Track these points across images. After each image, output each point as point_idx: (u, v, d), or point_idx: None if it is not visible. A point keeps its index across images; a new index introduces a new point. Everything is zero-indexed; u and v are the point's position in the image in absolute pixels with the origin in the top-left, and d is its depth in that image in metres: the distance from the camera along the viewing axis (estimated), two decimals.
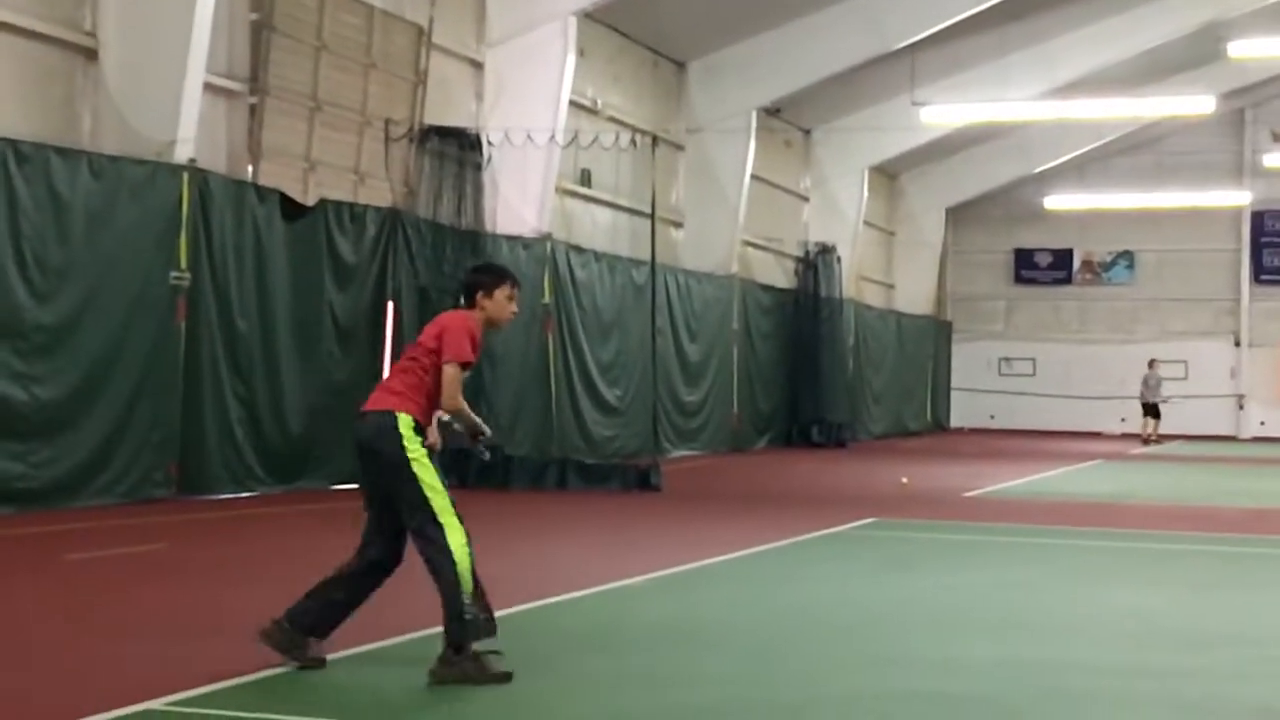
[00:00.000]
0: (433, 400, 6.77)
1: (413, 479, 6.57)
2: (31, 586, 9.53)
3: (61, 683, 6.57)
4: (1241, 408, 40.45)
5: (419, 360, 6.78)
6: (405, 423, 6.63)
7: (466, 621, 6.50)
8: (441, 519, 6.55)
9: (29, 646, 7.45)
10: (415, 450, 6.60)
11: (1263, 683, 7.15)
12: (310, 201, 17.23)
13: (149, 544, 11.78)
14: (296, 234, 16.85)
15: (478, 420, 6.97)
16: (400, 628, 7.74)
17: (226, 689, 6.37)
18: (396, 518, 6.70)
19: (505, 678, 6.53)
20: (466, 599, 6.49)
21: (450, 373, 6.68)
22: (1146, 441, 35.00)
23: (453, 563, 6.51)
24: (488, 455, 7.56)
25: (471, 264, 7.99)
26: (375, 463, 6.71)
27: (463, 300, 7.05)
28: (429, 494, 6.57)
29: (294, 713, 6.04)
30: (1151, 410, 35.67)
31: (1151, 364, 36.34)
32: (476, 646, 6.58)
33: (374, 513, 6.83)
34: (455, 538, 6.54)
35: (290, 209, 16.78)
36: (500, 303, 6.96)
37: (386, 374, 7.03)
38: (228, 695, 6.28)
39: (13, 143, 13.52)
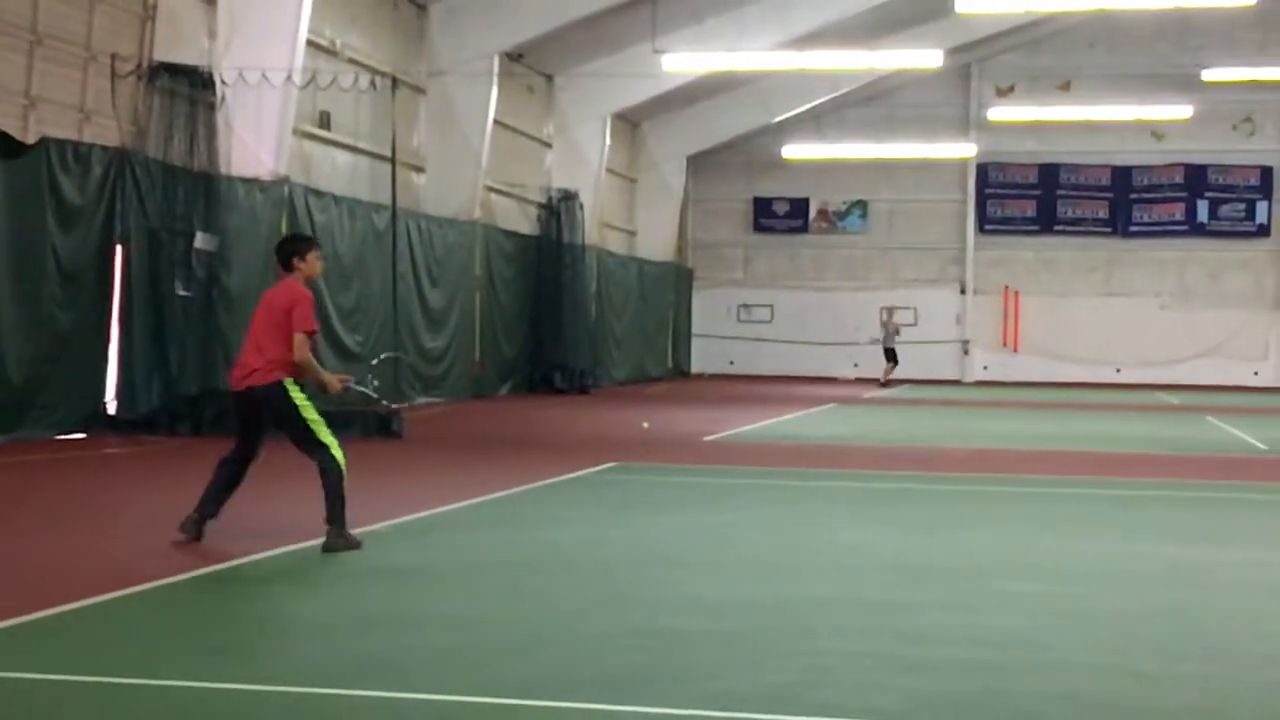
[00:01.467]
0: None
1: (303, 421, 8.90)
2: None
3: None
4: (966, 353, 42.12)
5: (282, 328, 8.87)
6: (290, 385, 8.93)
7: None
8: (324, 440, 8.92)
9: None
10: (301, 399, 8.92)
11: (981, 613, 7.49)
12: (30, 139, 16.47)
13: None
14: (16, 173, 16.08)
15: (325, 375, 9.17)
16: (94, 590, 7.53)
17: None
18: (258, 436, 9.11)
19: (359, 543, 8.93)
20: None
21: (299, 340, 8.84)
22: (885, 385, 36.18)
23: (338, 468, 8.89)
24: (371, 387, 10.10)
25: (282, 236, 10.59)
26: (268, 414, 9.01)
27: (280, 265, 9.12)
28: (314, 427, 8.92)
29: (11, 669, 5.82)
30: (890, 355, 36.96)
31: (891, 311, 37.64)
32: None
33: (245, 433, 9.15)
34: (337, 452, 8.93)
35: (9, 147, 16.01)
36: (313, 263, 9.15)
37: (255, 338, 8.98)
38: None
39: None
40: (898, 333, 37.34)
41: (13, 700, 5.44)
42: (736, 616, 7.23)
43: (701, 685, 5.80)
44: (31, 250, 16.35)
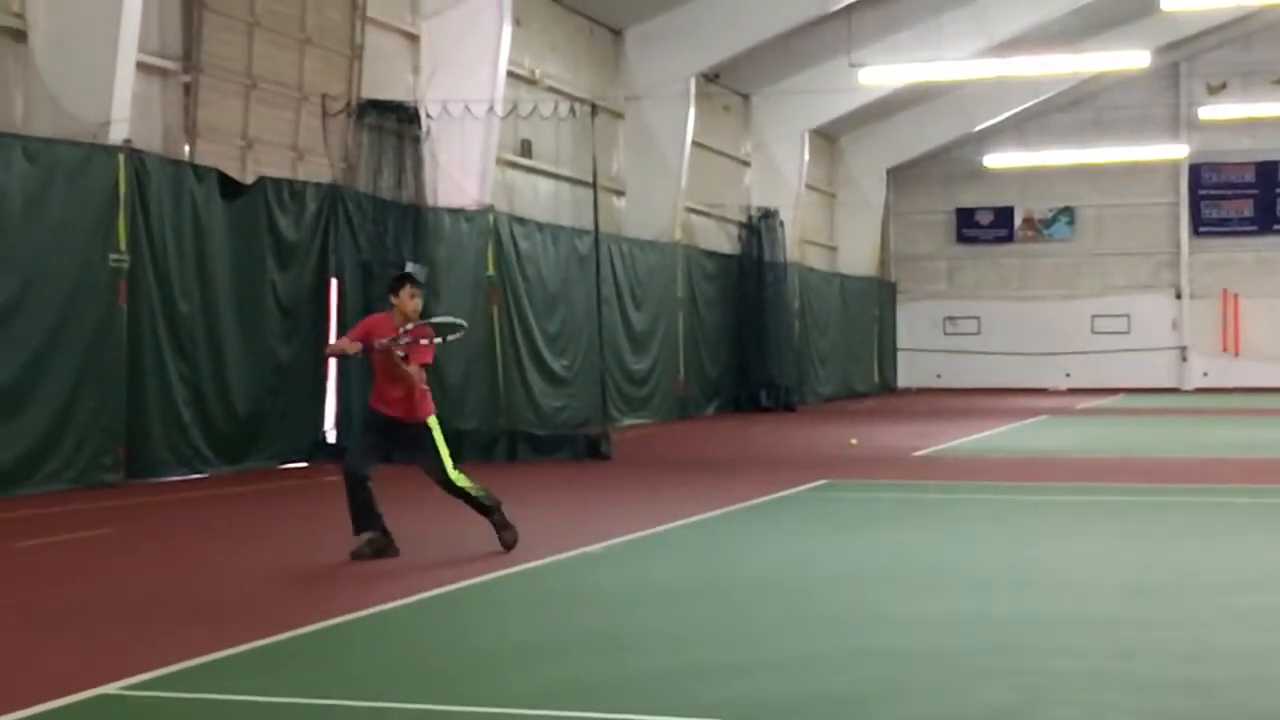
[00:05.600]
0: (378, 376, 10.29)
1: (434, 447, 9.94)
2: None
3: (14, 669, 6.51)
4: (1184, 359, 40.87)
5: None
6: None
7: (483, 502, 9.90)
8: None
9: None
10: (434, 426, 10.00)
11: (1208, 629, 7.25)
12: (249, 180, 17.09)
13: (97, 529, 11.70)
14: (236, 213, 16.70)
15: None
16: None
17: (179, 671, 6.34)
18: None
19: (514, 541, 9.76)
20: (477, 493, 9.84)
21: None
22: None
23: (461, 486, 9.79)
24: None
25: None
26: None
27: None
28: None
29: (244, 692, 6.03)
30: None
31: None
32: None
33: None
34: (459, 477, 9.83)
35: (229, 188, 16.63)
36: (404, 300, 9.90)
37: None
38: (181, 678, 6.26)
39: None
40: None
41: None
42: (955, 635, 7.11)
43: (921, 705, 5.72)
44: (252, 287, 16.94)
